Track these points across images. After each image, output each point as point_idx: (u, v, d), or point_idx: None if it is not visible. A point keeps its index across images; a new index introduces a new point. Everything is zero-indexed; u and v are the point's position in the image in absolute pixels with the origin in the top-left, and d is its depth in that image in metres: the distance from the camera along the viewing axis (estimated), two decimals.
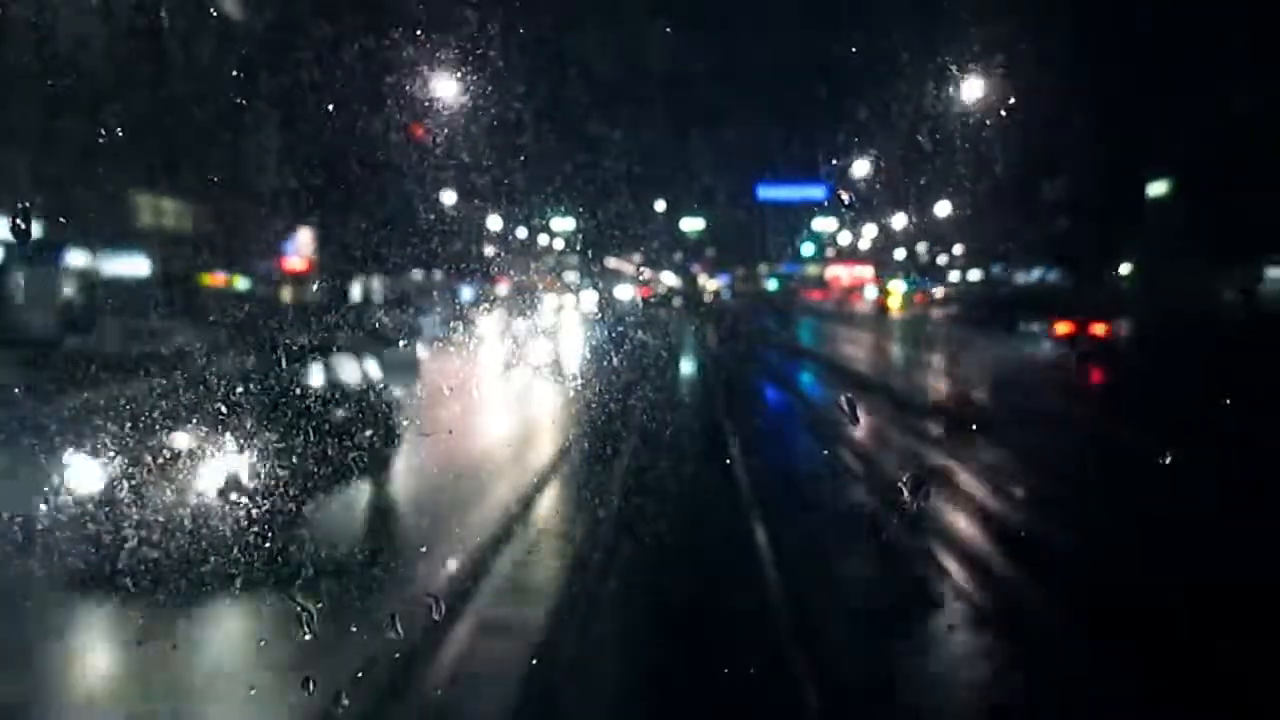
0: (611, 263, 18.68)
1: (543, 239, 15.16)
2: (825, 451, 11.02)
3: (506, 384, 10.37)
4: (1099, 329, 16.36)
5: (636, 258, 19.95)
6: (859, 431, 10.67)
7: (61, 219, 7.97)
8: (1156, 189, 20.27)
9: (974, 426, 11.84)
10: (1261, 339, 14.66)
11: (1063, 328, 16.70)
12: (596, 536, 7.68)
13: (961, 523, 8.40)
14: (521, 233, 14.24)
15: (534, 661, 5.66)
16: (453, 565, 6.75)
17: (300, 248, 15.22)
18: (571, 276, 16.09)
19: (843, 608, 6.69)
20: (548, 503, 9.18)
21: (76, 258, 11.40)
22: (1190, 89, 16.91)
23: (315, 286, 11.28)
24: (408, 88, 7.69)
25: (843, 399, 7.57)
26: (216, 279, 10.91)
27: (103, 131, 6.92)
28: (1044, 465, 10.01)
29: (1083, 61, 16.74)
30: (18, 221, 5.08)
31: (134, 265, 11.16)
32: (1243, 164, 15.55)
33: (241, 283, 11.20)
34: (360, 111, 7.80)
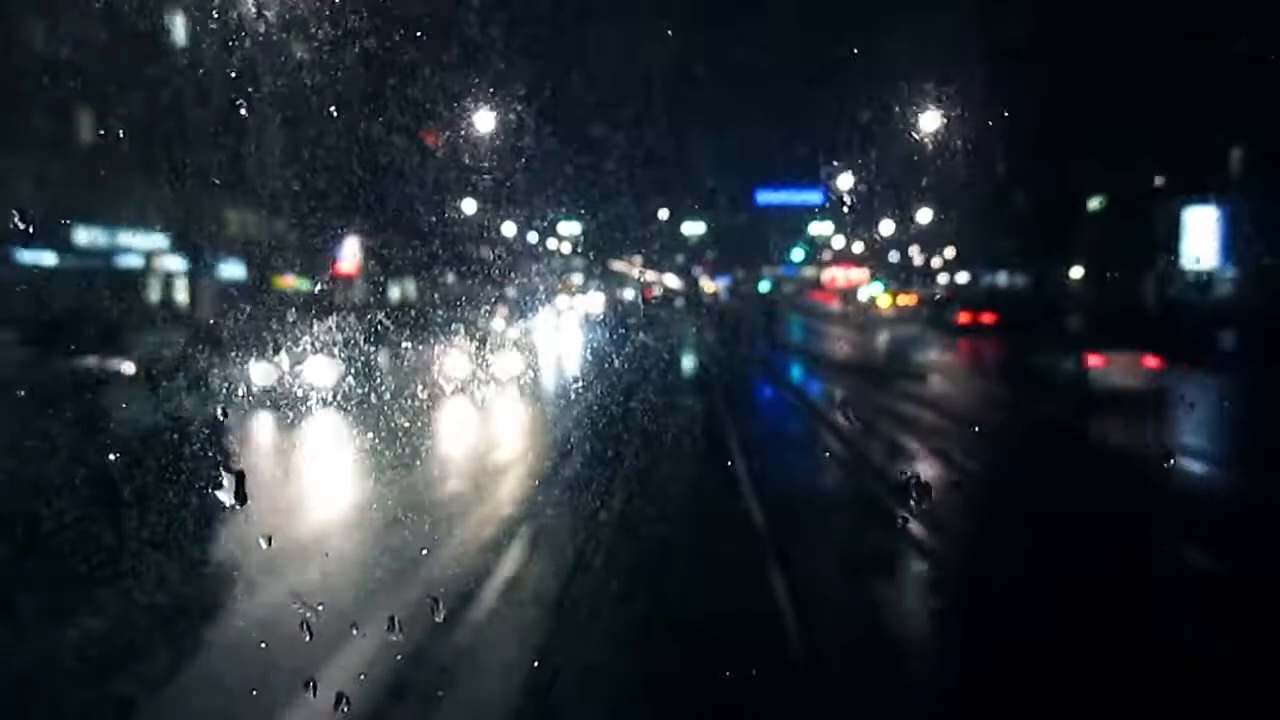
0: (616, 265, 19.85)
1: (550, 243, 16.11)
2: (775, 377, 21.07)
3: (513, 380, 10.31)
4: (987, 318, 19.54)
5: (639, 260, 21.08)
6: (798, 373, 20.55)
7: (191, 237, 10.10)
8: (1094, 203, 22.56)
9: (859, 371, 19.55)
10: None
11: (963, 317, 19.90)
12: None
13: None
14: (531, 237, 14.98)
15: None
16: None
17: (349, 253, 17.12)
18: (578, 279, 17.49)
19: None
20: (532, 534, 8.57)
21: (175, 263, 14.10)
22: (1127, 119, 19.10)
23: (318, 288, 11.05)
24: (430, 100, 8.22)
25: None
26: (286, 281, 13.04)
27: (214, 163, 9.04)
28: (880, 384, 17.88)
29: (1043, 88, 18.86)
30: (18, 222, 5.27)
31: (228, 270, 14.04)
32: (1160, 184, 17.91)
33: (304, 284, 13.20)
34: (391, 125, 8.23)
